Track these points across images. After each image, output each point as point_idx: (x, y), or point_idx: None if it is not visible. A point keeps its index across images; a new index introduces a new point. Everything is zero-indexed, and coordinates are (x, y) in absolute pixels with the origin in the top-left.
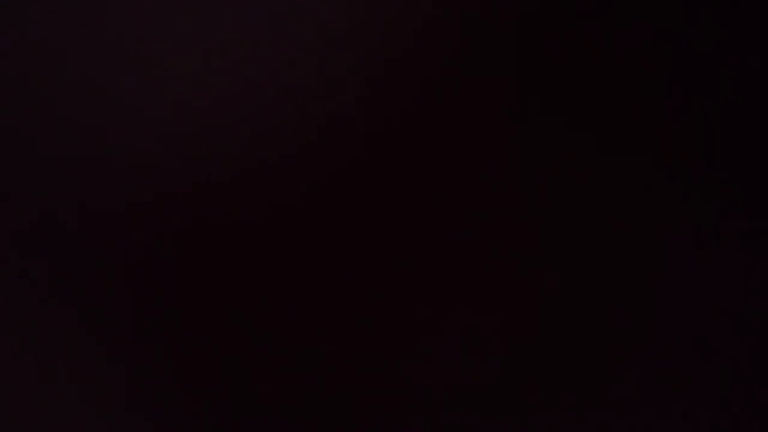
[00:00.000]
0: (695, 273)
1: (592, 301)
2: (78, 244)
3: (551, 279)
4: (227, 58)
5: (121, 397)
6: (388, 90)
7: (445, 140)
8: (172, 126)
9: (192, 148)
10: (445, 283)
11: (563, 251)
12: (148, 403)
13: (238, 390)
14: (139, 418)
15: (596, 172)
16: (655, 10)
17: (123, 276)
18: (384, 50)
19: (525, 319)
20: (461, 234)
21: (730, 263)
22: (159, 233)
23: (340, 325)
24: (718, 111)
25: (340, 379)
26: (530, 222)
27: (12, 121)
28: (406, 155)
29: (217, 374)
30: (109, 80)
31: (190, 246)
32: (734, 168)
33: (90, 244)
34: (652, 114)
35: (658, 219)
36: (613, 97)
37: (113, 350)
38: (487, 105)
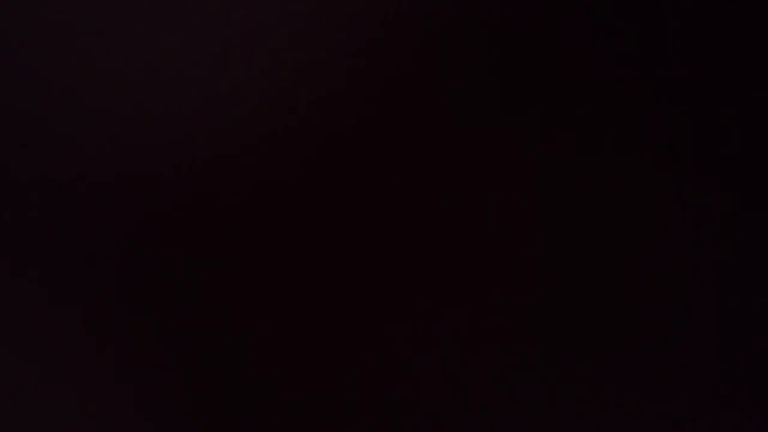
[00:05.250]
0: (695, 272)
1: (592, 301)
2: (77, 243)
3: (551, 279)
4: (227, 57)
5: (119, 397)
6: (387, 90)
7: (444, 140)
8: (171, 126)
9: (191, 147)
10: (444, 282)
11: (563, 251)
12: (147, 402)
13: (238, 390)
14: (139, 417)
15: (596, 172)
16: (655, 10)
17: (120, 274)
18: (384, 50)
19: (525, 319)
20: (461, 233)
21: (730, 262)
22: (158, 233)
23: (339, 324)
24: (718, 111)
25: (340, 379)
26: (530, 222)
27: (10, 120)
28: (406, 155)
29: (216, 374)
30: (109, 80)
31: (190, 246)
32: (734, 168)
33: (89, 243)
34: (652, 114)
35: (658, 219)
36: (613, 96)
37: (112, 350)
38: (487, 105)
